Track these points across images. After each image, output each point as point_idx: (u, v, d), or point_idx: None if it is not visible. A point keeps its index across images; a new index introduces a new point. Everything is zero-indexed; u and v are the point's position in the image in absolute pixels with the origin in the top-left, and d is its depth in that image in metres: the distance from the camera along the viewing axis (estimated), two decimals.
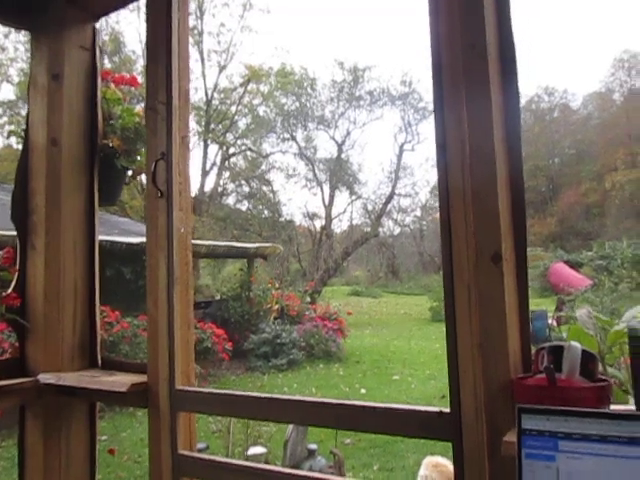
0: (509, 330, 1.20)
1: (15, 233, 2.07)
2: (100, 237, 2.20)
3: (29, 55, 2.20)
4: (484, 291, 1.22)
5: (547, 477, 0.95)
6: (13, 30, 18.33)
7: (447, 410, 1.28)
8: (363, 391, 8.26)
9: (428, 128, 23.41)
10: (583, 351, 1.12)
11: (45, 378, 1.93)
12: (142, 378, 1.81)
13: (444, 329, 1.30)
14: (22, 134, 2.13)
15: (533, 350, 1.23)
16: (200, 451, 2.45)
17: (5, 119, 21.21)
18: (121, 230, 10.09)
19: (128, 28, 24.79)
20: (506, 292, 1.21)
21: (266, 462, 4.48)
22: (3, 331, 4.04)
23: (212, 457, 1.91)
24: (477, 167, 1.27)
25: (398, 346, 12.14)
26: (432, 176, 24.19)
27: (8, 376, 1.94)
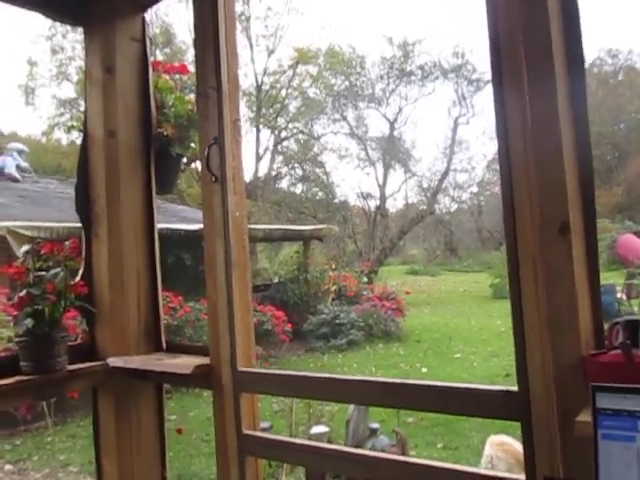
0: (579, 304, 1.14)
1: (80, 224, 2.16)
2: (159, 225, 2.26)
3: (84, 51, 2.26)
4: (551, 264, 1.16)
5: (626, 458, 0.90)
6: (70, 30, 19.04)
7: (514, 389, 1.24)
8: (424, 370, 8.20)
9: (483, 100, 22.67)
10: None
11: (114, 361, 2.01)
12: (205, 360, 1.85)
13: (506, 306, 1.25)
14: (81, 128, 2.20)
15: (605, 326, 1.17)
16: (264, 430, 2.50)
17: (67, 116, 22.18)
18: (180, 218, 10.37)
19: (177, 19, 25.23)
20: (575, 265, 1.14)
21: (329, 441, 4.53)
22: (75, 318, 4.24)
23: (275, 436, 1.94)
24: (540, 136, 1.20)
25: (458, 324, 11.96)
26: (489, 149, 23.47)
27: (81, 360, 2.03)
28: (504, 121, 1.26)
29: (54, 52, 21.95)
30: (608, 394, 0.94)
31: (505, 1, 1.26)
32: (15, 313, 1.84)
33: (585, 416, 1.02)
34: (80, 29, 2.29)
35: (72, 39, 21.07)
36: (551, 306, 1.16)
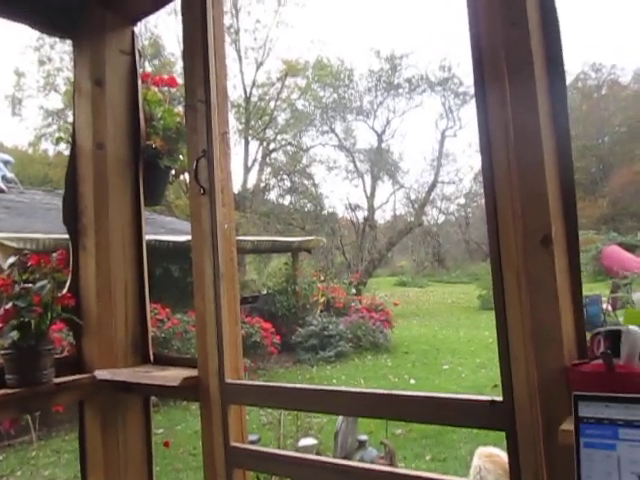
0: (562, 315, 1.16)
1: (67, 236, 2.15)
2: (147, 237, 2.26)
3: (73, 64, 2.27)
4: (534, 276, 1.18)
5: (607, 466, 0.91)
6: (58, 41, 19.01)
7: (499, 399, 1.25)
8: (413, 381, 8.20)
9: (470, 113, 22.95)
10: None
11: (101, 374, 2.00)
12: (193, 372, 1.85)
13: (494, 317, 1.27)
14: (69, 140, 2.20)
15: (588, 336, 1.19)
16: (252, 443, 2.49)
17: (54, 127, 22.07)
18: (168, 229, 10.34)
19: (166, 32, 25.27)
20: (557, 276, 1.16)
21: (317, 453, 4.51)
22: (62, 330, 4.19)
23: (264, 449, 1.94)
24: (522, 149, 1.22)
25: (447, 335, 11.99)
26: (476, 162, 23.74)
27: (67, 373, 2.01)
28: (487, 135, 1.28)
29: (42, 63, 21.90)
30: (590, 403, 0.95)
31: (487, 19, 1.29)
32: (0, 325, 1.82)
33: (568, 425, 1.04)
34: (69, 41, 2.30)
35: (60, 50, 21.07)
36: (535, 317, 1.18)
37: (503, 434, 1.25)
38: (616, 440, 0.92)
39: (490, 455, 3.66)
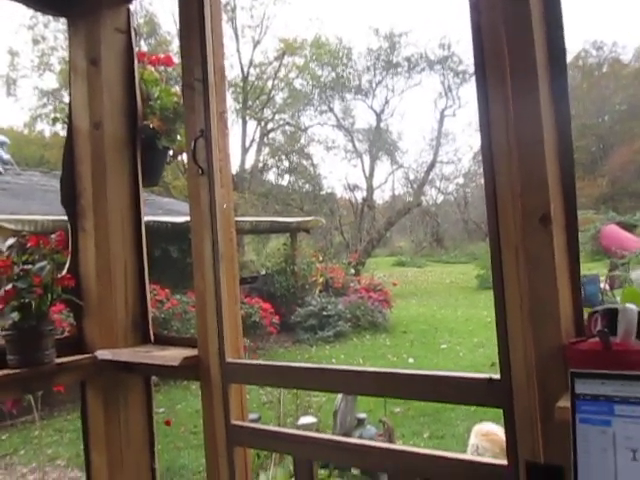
0: (560, 294, 1.16)
1: (66, 217, 2.15)
2: (146, 218, 2.25)
3: (68, 43, 2.24)
4: (533, 254, 1.19)
5: (603, 442, 0.93)
6: (52, 19, 18.74)
7: (497, 377, 1.27)
8: (411, 360, 8.28)
9: (469, 92, 22.81)
10: (639, 313, 1.08)
11: (102, 354, 2.01)
12: (193, 352, 1.86)
13: (492, 297, 1.27)
14: (66, 120, 2.18)
15: (586, 315, 1.20)
16: (252, 421, 2.52)
17: (50, 107, 21.88)
18: (166, 210, 10.32)
19: (162, 10, 24.93)
20: (556, 255, 1.17)
21: (317, 431, 4.57)
22: (62, 311, 4.20)
23: (264, 427, 1.96)
24: (522, 128, 1.22)
25: (445, 315, 12.06)
26: (475, 141, 23.64)
27: (68, 353, 2.02)
28: (487, 114, 1.27)
29: (36, 42, 21.63)
30: (587, 380, 0.97)
31: None
32: (1, 307, 1.83)
33: (565, 402, 1.05)
34: (63, 19, 2.26)
35: (54, 29, 20.80)
36: (533, 295, 1.19)
37: (500, 411, 1.27)
38: (612, 416, 0.93)
39: (487, 433, 3.71)
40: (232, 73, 22.71)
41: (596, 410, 0.94)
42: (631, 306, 1.08)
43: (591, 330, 1.12)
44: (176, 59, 2.25)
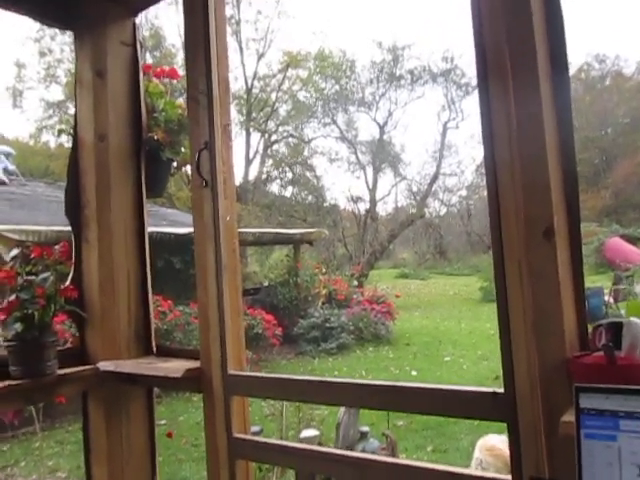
0: (564, 307, 1.16)
1: (70, 228, 2.15)
2: (149, 229, 2.26)
3: (74, 55, 2.26)
4: (536, 268, 1.18)
5: (608, 457, 0.92)
6: (59, 32, 18.94)
7: (501, 390, 1.26)
8: (414, 373, 8.22)
9: (472, 104, 22.82)
10: None
11: (104, 365, 2.01)
12: (196, 364, 1.86)
13: (495, 309, 1.27)
14: (71, 131, 2.20)
15: (590, 328, 1.19)
16: (254, 434, 2.50)
17: (55, 119, 22.04)
18: (169, 221, 10.33)
19: (167, 23, 25.16)
20: (559, 268, 1.16)
21: (319, 445, 4.53)
22: (64, 322, 4.21)
23: (266, 440, 1.95)
24: (525, 140, 1.22)
25: (448, 327, 12.00)
26: (478, 153, 23.72)
27: (71, 364, 2.02)
28: (490, 126, 1.28)
29: (42, 54, 21.82)
30: (591, 394, 0.96)
31: (490, 9, 1.28)
32: (4, 317, 1.83)
33: (570, 416, 1.04)
34: (69, 32, 2.29)
35: (60, 41, 20.98)
36: (536, 309, 1.18)
37: (505, 425, 1.26)
38: (617, 431, 0.92)
39: (491, 448, 3.67)
40: (236, 85, 22.87)
41: (601, 425, 0.93)
42: (636, 320, 1.08)
43: (595, 344, 1.12)
44: (181, 71, 2.27)
